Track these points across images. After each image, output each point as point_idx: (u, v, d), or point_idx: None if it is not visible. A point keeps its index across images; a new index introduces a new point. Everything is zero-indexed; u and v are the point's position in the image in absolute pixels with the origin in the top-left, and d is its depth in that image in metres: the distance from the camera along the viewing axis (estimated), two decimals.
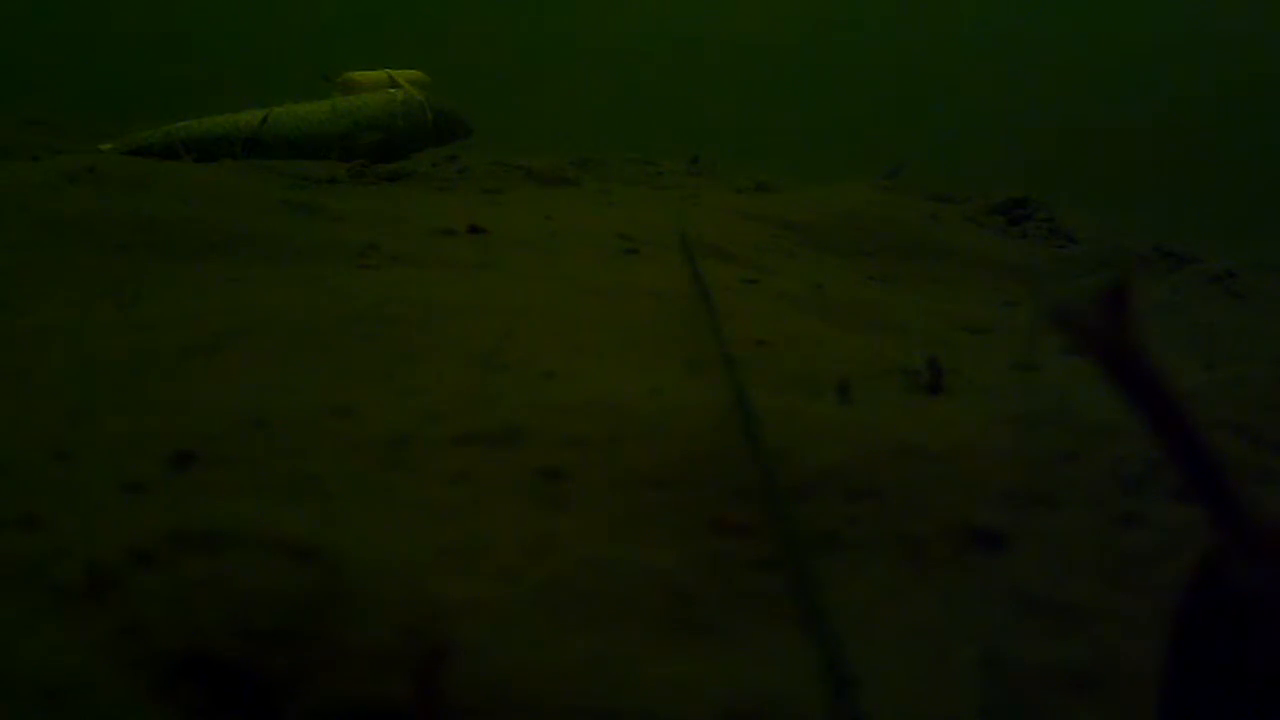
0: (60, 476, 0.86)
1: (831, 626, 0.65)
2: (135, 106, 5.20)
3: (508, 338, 1.30)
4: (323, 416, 1.00)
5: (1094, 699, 0.67)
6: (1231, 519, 0.54)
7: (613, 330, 1.42)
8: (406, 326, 1.33)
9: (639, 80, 10.46)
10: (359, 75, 4.12)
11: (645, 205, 3.08)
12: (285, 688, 0.64)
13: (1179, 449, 0.54)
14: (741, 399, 1.01)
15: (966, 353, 1.64)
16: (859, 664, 0.65)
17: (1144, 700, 0.65)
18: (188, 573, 0.70)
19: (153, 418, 1.00)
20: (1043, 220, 3.50)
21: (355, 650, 0.65)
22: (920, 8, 11.56)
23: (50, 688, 0.60)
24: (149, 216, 2.02)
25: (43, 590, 0.68)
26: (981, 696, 0.67)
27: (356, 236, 2.06)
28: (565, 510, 0.86)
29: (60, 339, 1.28)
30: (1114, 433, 0.99)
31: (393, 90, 3.98)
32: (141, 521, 0.76)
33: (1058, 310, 0.54)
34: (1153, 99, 9.38)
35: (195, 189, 2.43)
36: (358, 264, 1.87)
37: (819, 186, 3.82)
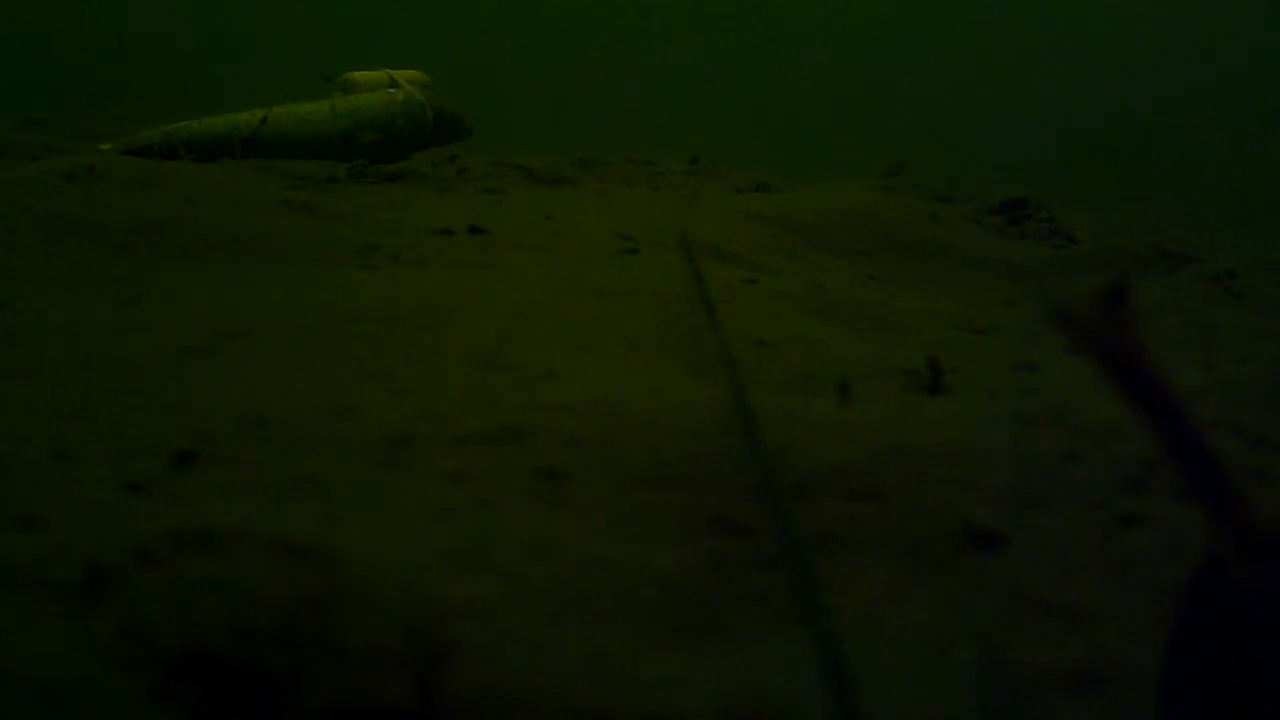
0: (60, 476, 0.86)
1: (831, 626, 0.65)
2: (135, 106, 5.21)
3: (508, 338, 1.30)
4: (323, 416, 1.00)
5: (1094, 699, 0.67)
6: (1231, 519, 0.54)
7: (613, 330, 1.42)
8: (406, 326, 1.33)
9: (640, 80, 10.46)
10: (359, 75, 4.12)
11: (645, 205, 3.08)
12: (285, 688, 0.64)
13: (1178, 449, 0.54)
14: (741, 399, 1.01)
15: (966, 353, 1.64)
16: (859, 664, 0.65)
17: (1144, 700, 0.65)
18: (188, 573, 0.70)
19: (153, 418, 1.00)
20: (1043, 220, 3.50)
21: (355, 650, 0.65)
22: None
23: (50, 688, 0.60)
24: (149, 216, 2.02)
25: (43, 590, 0.68)
26: (981, 696, 0.67)
27: (356, 236, 2.06)
28: (565, 510, 0.86)
29: (60, 339, 1.28)
30: (1114, 433, 0.99)
31: (393, 90, 3.98)
32: (141, 521, 0.76)
33: (1058, 310, 0.54)
34: (1150, 99, 9.39)
35: (195, 189, 2.43)
36: (358, 264, 1.87)
37: (819, 186, 3.82)
